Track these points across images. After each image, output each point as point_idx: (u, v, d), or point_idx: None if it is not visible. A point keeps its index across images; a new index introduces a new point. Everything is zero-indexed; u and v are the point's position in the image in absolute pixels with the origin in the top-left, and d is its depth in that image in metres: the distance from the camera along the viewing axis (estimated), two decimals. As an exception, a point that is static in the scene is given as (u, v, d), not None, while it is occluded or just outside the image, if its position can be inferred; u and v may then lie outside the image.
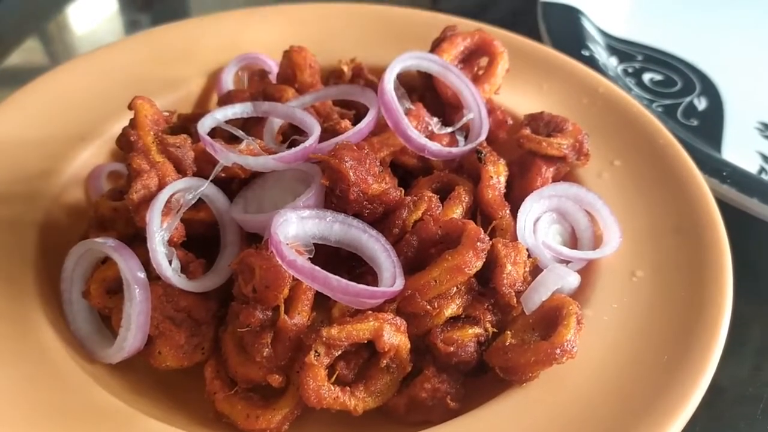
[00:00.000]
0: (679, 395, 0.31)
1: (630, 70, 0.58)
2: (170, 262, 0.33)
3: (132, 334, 0.33)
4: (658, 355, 0.33)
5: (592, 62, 0.54)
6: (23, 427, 0.30)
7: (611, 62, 0.58)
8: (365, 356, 0.34)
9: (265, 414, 0.33)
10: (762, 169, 0.50)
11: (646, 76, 0.58)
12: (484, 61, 0.48)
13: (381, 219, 0.37)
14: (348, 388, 0.33)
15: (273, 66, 0.49)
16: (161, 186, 0.35)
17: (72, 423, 0.31)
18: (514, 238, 0.38)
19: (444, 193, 0.40)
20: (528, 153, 0.42)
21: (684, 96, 0.56)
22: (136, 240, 0.36)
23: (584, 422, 0.30)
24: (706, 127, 0.53)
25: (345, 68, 0.49)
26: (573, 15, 0.60)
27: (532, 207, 0.39)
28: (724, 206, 0.43)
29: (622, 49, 0.61)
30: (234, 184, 0.39)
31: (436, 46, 0.47)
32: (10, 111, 0.44)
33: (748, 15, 0.66)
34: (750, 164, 0.50)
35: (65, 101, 0.46)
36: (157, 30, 0.53)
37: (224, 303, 0.36)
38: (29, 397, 0.31)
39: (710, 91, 0.57)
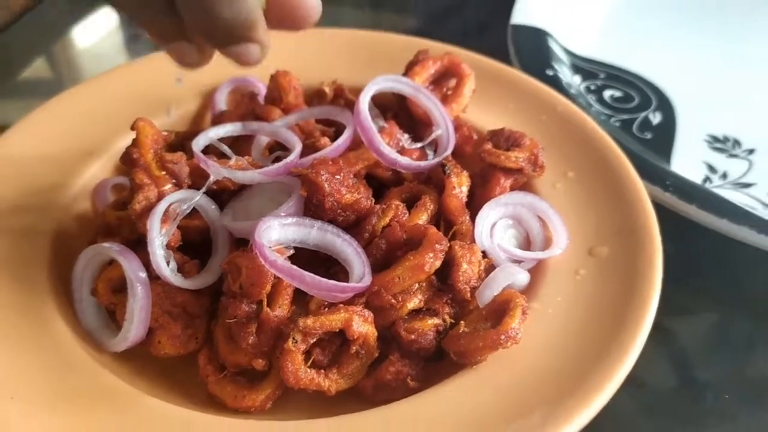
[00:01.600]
0: (606, 372, 0.35)
1: (592, 87, 0.63)
2: (168, 264, 0.38)
3: (135, 326, 0.38)
4: (592, 340, 0.37)
5: (556, 81, 0.59)
6: (43, 405, 0.35)
7: (575, 80, 0.63)
8: (338, 344, 0.39)
9: (251, 394, 0.38)
10: (707, 178, 0.54)
11: (607, 93, 0.63)
12: (453, 82, 0.53)
13: (353, 225, 0.42)
14: (323, 371, 0.38)
15: (261, 87, 0.54)
16: (160, 197, 0.40)
17: (84, 401, 0.35)
18: (473, 241, 0.43)
19: (413, 202, 0.45)
20: (489, 165, 0.47)
21: (640, 111, 0.61)
22: (139, 245, 0.40)
23: (524, 396, 0.35)
24: (658, 140, 0.58)
25: (327, 89, 0.54)
26: (540, 36, 0.65)
27: (489, 213, 0.44)
28: (669, 213, 0.48)
29: (585, 67, 0.65)
30: (224, 195, 0.43)
31: (409, 69, 0.52)
32: (24, 131, 0.49)
33: (708, 36, 0.71)
34: (696, 174, 0.54)
35: (74, 121, 0.51)
36: (156, 55, 0.58)
37: (215, 299, 0.41)
38: (47, 381, 0.36)
39: (665, 106, 0.61)
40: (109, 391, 0.36)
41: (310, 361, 0.38)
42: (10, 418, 0.34)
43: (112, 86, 0.54)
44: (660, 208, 0.45)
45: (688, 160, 0.56)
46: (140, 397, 0.36)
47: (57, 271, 0.43)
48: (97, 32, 0.65)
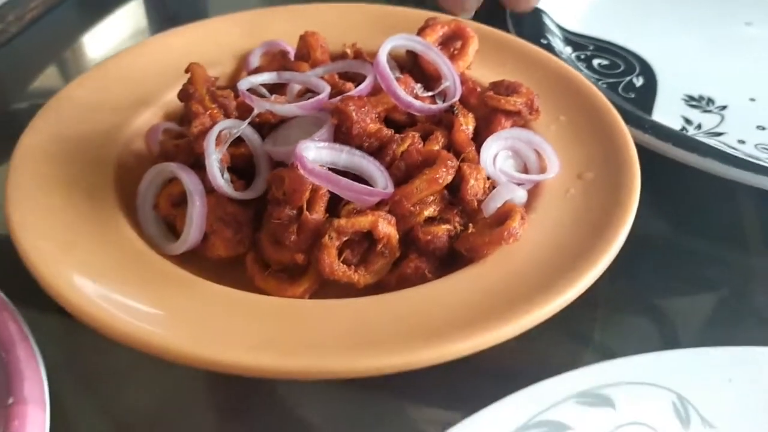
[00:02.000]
0: (592, 261, 0.42)
1: (582, 57, 0.71)
2: (222, 175, 0.45)
3: (193, 230, 0.45)
4: (580, 239, 0.44)
5: (549, 48, 0.66)
6: (117, 285, 0.42)
7: (566, 50, 0.71)
8: (366, 246, 0.46)
9: (292, 287, 0.44)
10: (683, 128, 0.62)
11: (595, 62, 0.70)
12: (458, 44, 0.60)
13: (377, 151, 0.49)
14: (353, 267, 0.45)
15: (290, 50, 0.62)
16: (213, 123, 0.47)
17: (153, 284, 0.42)
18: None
19: (426, 139, 0.52)
20: (491, 109, 0.54)
21: (625, 76, 0.68)
22: (194, 167, 0.48)
23: (523, 280, 0.42)
24: (640, 99, 0.65)
25: (348, 51, 0.61)
26: (536, 13, 0.73)
27: (492, 145, 0.51)
28: (649, 153, 0.55)
29: (576, 41, 0.73)
30: (265, 128, 0.51)
31: (420, 32, 0.60)
32: (88, 82, 0.57)
33: (687, 16, 0.79)
34: (674, 125, 0.61)
35: (127, 76, 0.58)
36: (194, 24, 0.66)
37: (258, 214, 0.48)
38: (122, 270, 0.43)
39: (647, 72, 0.69)
40: (174, 275, 0.43)
41: (342, 258, 0.44)
42: (90, 293, 0.40)
43: (160, 49, 0.61)
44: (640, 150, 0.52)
45: (666, 114, 0.63)
46: (200, 282, 0.43)
47: (120, 193, 0.49)
48: (107, 41, 0.70)
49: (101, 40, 0.86)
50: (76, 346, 0.47)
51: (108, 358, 0.46)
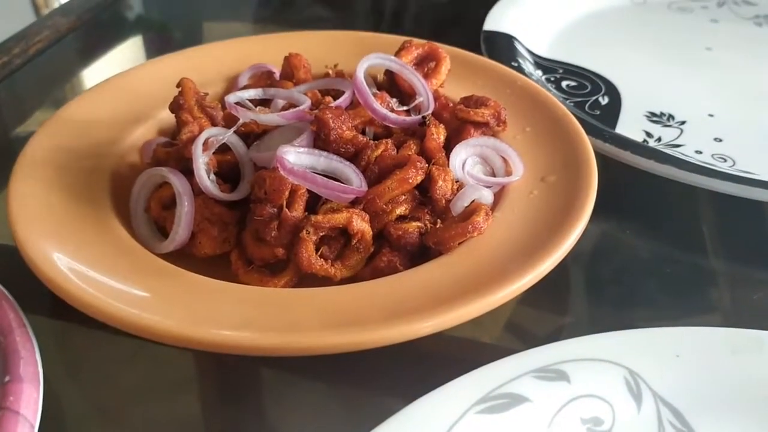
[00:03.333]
0: (549, 253, 0.46)
1: (552, 79, 0.75)
2: (208, 177, 0.49)
3: (182, 229, 0.49)
4: (540, 234, 0.48)
5: (520, 71, 0.71)
6: (117, 277, 0.45)
7: (537, 73, 0.75)
8: (342, 242, 0.49)
9: (273, 280, 0.48)
10: (644, 141, 0.66)
11: (564, 83, 0.75)
12: (432, 65, 0.65)
13: (353, 156, 0.53)
14: (330, 261, 0.48)
15: (277, 72, 0.66)
16: (201, 130, 0.51)
17: (142, 274, 0.45)
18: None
19: (399, 148, 0.56)
20: (461, 121, 0.59)
21: (591, 96, 0.73)
22: (184, 173, 0.51)
23: (484, 269, 0.45)
24: (605, 115, 0.69)
25: (330, 72, 0.66)
26: (508, 39, 0.78)
27: (460, 152, 0.55)
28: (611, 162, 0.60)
29: (546, 65, 0.78)
30: (250, 138, 0.55)
31: (397, 54, 0.64)
32: (86, 100, 0.61)
33: (652, 40, 0.84)
34: (636, 138, 0.66)
35: (125, 95, 0.63)
36: (188, 50, 0.70)
37: (243, 216, 0.51)
38: (114, 262, 0.46)
39: (612, 92, 0.73)
40: (162, 268, 0.46)
41: (319, 253, 0.48)
42: (83, 279, 0.44)
43: (155, 71, 0.66)
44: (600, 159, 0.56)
45: (629, 129, 0.67)
46: (186, 273, 0.46)
47: (115, 199, 0.53)
48: (107, 73, 0.75)
49: (101, 72, 0.91)
50: (70, 335, 0.50)
51: (98, 344, 0.49)
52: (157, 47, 1.01)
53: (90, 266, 0.45)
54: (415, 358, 0.47)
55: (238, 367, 0.48)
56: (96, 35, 0.97)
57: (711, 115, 0.70)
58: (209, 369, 0.49)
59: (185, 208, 0.49)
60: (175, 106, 0.52)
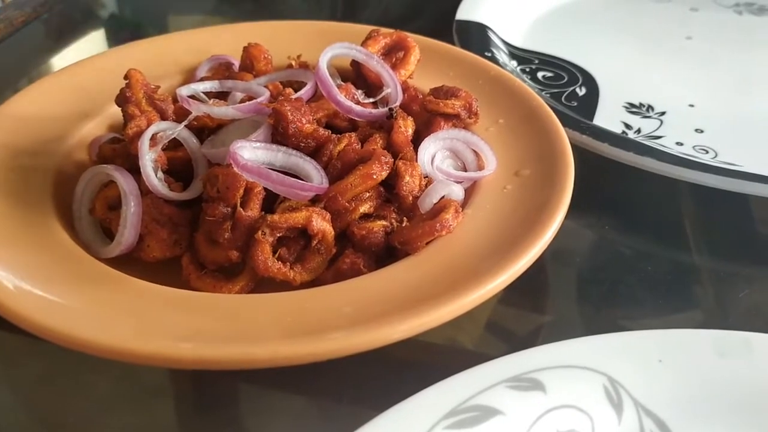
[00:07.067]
0: (523, 251, 0.43)
1: (527, 70, 0.72)
2: (156, 175, 0.46)
3: (128, 231, 0.45)
4: (513, 231, 0.45)
5: (494, 61, 0.68)
6: (44, 283, 0.41)
7: (512, 64, 0.72)
8: (301, 245, 0.46)
9: (227, 285, 0.44)
10: (623, 132, 0.63)
11: (540, 74, 0.72)
12: (401, 54, 0.62)
13: (314, 151, 0.49)
14: (289, 264, 0.45)
15: (236, 64, 0.63)
16: (149, 125, 0.47)
17: (84, 282, 0.42)
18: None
19: (365, 142, 0.53)
20: (430, 113, 0.55)
21: (568, 86, 0.70)
22: (132, 172, 0.48)
23: (454, 270, 0.42)
24: (583, 107, 0.66)
25: (293, 63, 0.62)
26: (481, 29, 0.74)
27: (429, 145, 0.52)
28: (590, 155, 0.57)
29: (521, 55, 0.75)
30: (204, 133, 0.51)
31: (363, 43, 0.61)
32: (31, 95, 0.57)
33: (625, 31, 0.82)
34: (615, 129, 0.63)
35: (74, 88, 0.59)
36: (141, 41, 0.66)
37: (196, 217, 0.48)
38: (54, 269, 0.42)
39: (589, 83, 0.71)
40: (105, 275, 0.43)
41: (277, 255, 0.44)
42: (15, 291, 0.40)
43: (106, 63, 0.62)
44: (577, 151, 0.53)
45: (608, 120, 0.64)
46: (130, 279, 0.42)
47: (58, 200, 0.49)
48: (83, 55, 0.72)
49: (57, 66, 0.87)
50: (12, 353, 0.47)
51: (42, 362, 0.45)
52: (118, 40, 0.97)
53: (26, 273, 0.41)
54: (387, 364, 0.44)
55: (204, 377, 0.45)
56: (53, 29, 0.92)
57: (692, 106, 0.68)
58: (181, 379, 0.46)
59: (131, 208, 0.45)
60: (122, 99, 0.48)
